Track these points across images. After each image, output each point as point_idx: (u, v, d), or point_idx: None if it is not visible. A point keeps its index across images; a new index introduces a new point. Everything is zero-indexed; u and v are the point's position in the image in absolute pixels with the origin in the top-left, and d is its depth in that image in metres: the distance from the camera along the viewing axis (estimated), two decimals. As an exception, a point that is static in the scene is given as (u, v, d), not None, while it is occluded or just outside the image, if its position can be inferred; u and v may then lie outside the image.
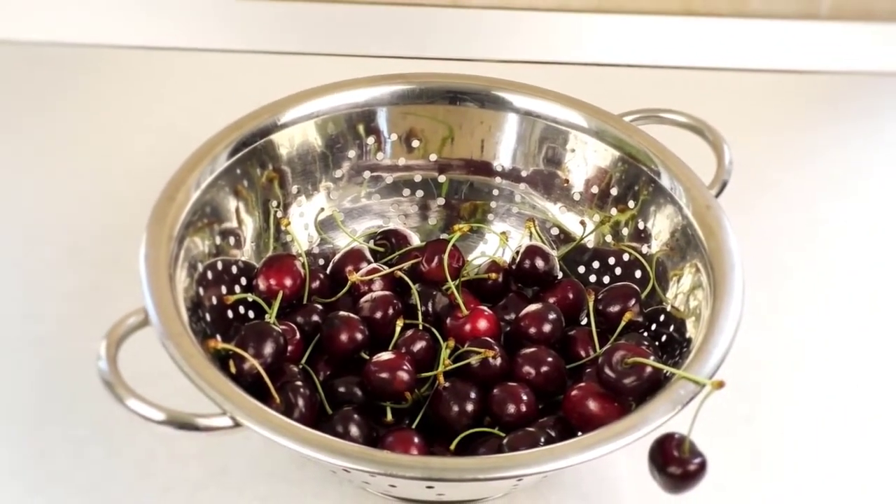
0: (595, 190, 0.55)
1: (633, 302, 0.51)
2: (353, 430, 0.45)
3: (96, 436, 0.50)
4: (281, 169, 0.54)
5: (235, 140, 0.52)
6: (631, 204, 0.54)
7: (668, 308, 0.50)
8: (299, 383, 0.46)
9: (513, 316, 0.52)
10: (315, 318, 0.51)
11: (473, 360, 0.48)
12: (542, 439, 0.45)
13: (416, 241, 0.56)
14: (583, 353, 0.50)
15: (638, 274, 0.53)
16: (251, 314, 0.51)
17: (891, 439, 0.52)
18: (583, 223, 0.56)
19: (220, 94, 0.69)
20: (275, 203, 0.54)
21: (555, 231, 0.57)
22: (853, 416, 0.53)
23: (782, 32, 0.76)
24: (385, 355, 0.47)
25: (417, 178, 0.57)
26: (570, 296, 0.52)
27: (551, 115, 0.55)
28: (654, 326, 0.51)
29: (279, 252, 0.53)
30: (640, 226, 0.53)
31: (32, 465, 0.49)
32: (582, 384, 0.46)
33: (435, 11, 0.69)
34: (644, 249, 0.53)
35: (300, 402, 0.45)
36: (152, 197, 0.48)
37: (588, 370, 0.49)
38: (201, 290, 0.48)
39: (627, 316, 0.50)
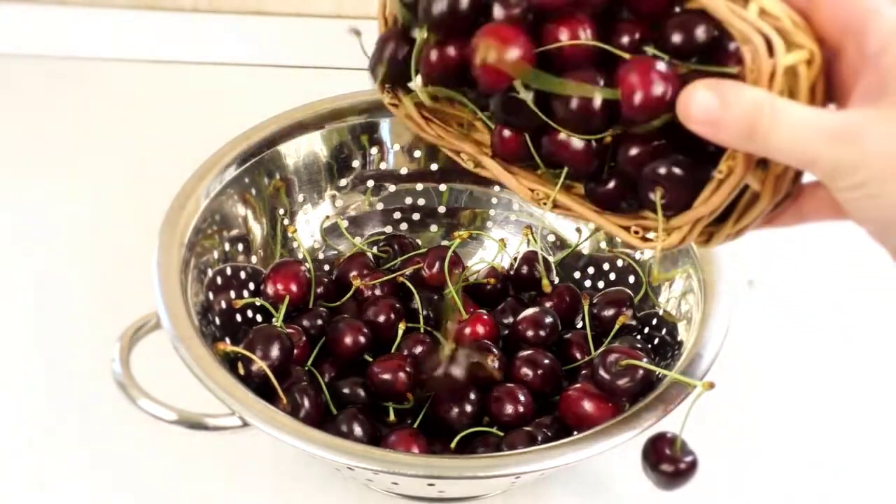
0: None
1: (626, 306, 0.52)
2: (357, 430, 0.46)
3: (109, 434, 0.51)
4: (288, 178, 0.55)
5: (244, 150, 0.53)
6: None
7: (661, 312, 0.52)
8: (305, 384, 0.47)
9: (511, 320, 0.53)
10: (320, 321, 0.52)
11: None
12: (539, 438, 0.46)
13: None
14: (578, 356, 0.51)
15: (631, 279, 0.54)
16: (259, 318, 0.52)
17: (881, 440, 0.53)
18: (578, 230, 0.57)
19: (230, 106, 0.69)
20: (281, 211, 0.56)
21: (551, 238, 0.58)
22: (845, 415, 0.54)
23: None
24: (387, 358, 0.49)
25: (419, 186, 0.58)
26: (566, 300, 0.54)
27: (548, 125, 0.57)
28: (646, 330, 0.52)
29: (286, 258, 0.54)
30: (634, 233, 0.55)
31: (47, 462, 0.50)
32: (577, 385, 0.47)
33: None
34: (637, 255, 0.54)
35: (306, 402, 0.46)
36: (164, 205, 0.50)
37: (583, 372, 0.50)
38: (211, 295, 0.49)
39: (621, 319, 0.51)
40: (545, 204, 0.41)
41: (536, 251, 0.55)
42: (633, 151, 0.37)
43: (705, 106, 0.33)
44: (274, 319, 0.50)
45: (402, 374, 0.48)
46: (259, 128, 0.54)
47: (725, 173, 0.35)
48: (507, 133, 0.41)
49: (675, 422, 0.43)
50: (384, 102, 0.44)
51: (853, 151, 0.32)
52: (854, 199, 0.33)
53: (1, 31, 0.73)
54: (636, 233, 0.39)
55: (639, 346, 0.50)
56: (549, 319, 0.51)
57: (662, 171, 0.37)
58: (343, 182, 0.57)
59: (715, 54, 0.35)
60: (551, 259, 0.56)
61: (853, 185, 0.32)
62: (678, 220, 0.38)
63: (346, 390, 0.49)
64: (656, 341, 0.51)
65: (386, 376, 0.48)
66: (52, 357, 0.55)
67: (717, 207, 0.36)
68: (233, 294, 0.51)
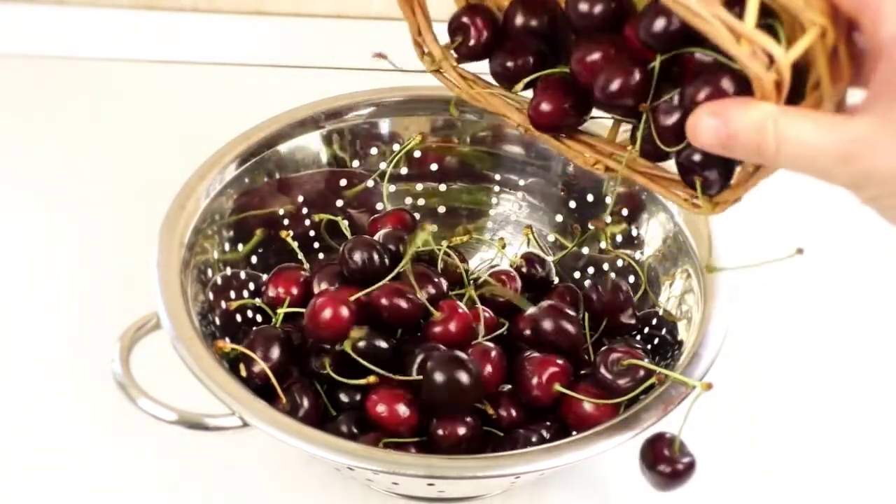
0: (590, 198, 0.57)
1: (625, 304, 0.51)
2: (357, 430, 0.46)
3: (109, 434, 0.51)
4: (287, 178, 0.55)
5: (244, 150, 0.53)
6: (625, 212, 0.55)
7: (661, 312, 0.52)
8: (304, 384, 0.47)
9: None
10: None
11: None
12: (538, 439, 0.46)
13: (417, 246, 0.58)
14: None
15: (631, 279, 0.54)
16: (259, 318, 0.52)
17: (881, 440, 0.53)
18: (578, 230, 0.57)
19: (230, 106, 0.69)
20: (281, 211, 0.56)
21: (551, 238, 0.58)
22: (845, 415, 0.54)
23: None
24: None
25: (419, 186, 0.59)
26: (566, 300, 0.53)
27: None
28: (646, 329, 0.52)
29: (286, 263, 0.54)
30: (634, 232, 0.54)
31: (47, 462, 0.50)
32: (578, 385, 0.47)
33: (434, 27, 0.70)
34: (637, 255, 0.54)
35: (305, 402, 0.46)
36: (164, 205, 0.50)
37: (583, 372, 0.50)
38: (211, 295, 0.49)
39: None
40: (598, 168, 0.44)
41: (536, 251, 0.55)
42: (667, 122, 0.40)
43: (712, 131, 0.34)
44: (273, 321, 0.50)
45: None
46: (259, 128, 0.54)
47: (754, 167, 0.37)
48: (544, 107, 0.43)
49: (675, 422, 0.43)
50: (426, 69, 0.47)
51: (862, 169, 0.32)
52: (878, 207, 0.34)
53: (1, 31, 0.73)
54: (686, 200, 0.42)
55: (638, 346, 0.50)
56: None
57: (697, 158, 0.39)
58: (343, 182, 0.57)
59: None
60: (551, 259, 0.56)
61: (870, 197, 0.33)
62: (721, 196, 0.40)
63: (343, 396, 0.49)
64: (656, 341, 0.51)
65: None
66: (52, 357, 0.55)
67: (754, 187, 0.38)
68: (233, 294, 0.51)
